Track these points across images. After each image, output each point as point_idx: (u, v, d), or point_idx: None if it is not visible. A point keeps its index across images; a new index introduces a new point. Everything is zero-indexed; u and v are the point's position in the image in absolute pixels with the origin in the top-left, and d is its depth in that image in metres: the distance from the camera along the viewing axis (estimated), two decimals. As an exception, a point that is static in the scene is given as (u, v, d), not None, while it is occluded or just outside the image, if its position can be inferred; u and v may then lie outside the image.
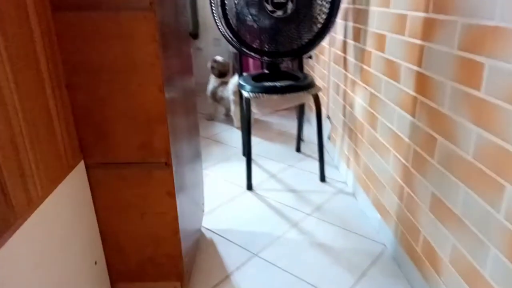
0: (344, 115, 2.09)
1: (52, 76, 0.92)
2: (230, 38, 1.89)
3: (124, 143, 1.07)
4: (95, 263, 1.15)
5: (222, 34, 1.90)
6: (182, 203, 1.21)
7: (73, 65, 0.99)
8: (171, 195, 1.13)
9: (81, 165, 1.08)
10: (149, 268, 1.24)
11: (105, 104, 1.03)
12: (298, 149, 2.52)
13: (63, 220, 0.96)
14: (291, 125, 3.00)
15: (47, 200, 0.88)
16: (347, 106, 2.02)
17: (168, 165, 1.09)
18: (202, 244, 1.62)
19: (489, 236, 0.92)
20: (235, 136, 2.82)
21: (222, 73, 3.01)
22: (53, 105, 0.93)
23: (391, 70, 1.41)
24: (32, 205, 0.82)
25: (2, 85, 0.72)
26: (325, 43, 2.37)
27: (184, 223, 1.25)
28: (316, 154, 2.45)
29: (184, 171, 1.26)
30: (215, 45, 3.63)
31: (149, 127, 1.05)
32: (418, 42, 1.20)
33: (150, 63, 0.98)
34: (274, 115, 3.25)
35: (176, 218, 1.16)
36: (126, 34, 0.96)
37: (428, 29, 1.14)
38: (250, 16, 1.86)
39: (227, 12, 1.81)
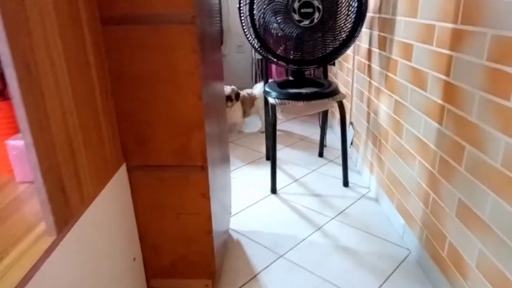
0: (368, 122, 2.12)
1: (100, 84, 1.00)
2: (257, 47, 1.95)
3: (163, 148, 1.14)
4: (134, 259, 1.21)
5: (250, 43, 1.96)
6: (214, 204, 1.27)
7: (118, 74, 1.06)
8: (206, 197, 1.19)
9: (123, 168, 1.15)
10: (182, 266, 1.30)
11: (146, 111, 1.10)
12: (320, 155, 2.56)
13: (108, 219, 1.03)
14: (313, 131, 3.04)
15: (96, 200, 0.95)
16: (371, 113, 2.05)
17: (204, 168, 1.15)
18: (229, 245, 1.67)
19: (517, 242, 0.94)
20: (258, 141, 2.87)
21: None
22: (101, 112, 1.00)
23: (418, 78, 1.44)
24: (84, 204, 0.89)
25: (62, 93, 0.80)
26: (349, 51, 2.40)
27: (216, 223, 1.31)
28: (338, 160, 2.49)
29: (216, 174, 1.32)
30: (238, 52, 3.70)
31: (187, 132, 1.12)
32: (446, 52, 1.23)
33: (190, 72, 1.05)
34: (296, 121, 3.30)
35: (209, 218, 1.22)
36: (168, 46, 1.02)
37: (457, 40, 1.17)
38: (277, 25, 1.92)
39: (255, 21, 1.87)
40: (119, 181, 1.11)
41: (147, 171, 1.17)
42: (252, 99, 3.00)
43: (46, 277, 0.72)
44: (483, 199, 1.07)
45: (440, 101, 1.29)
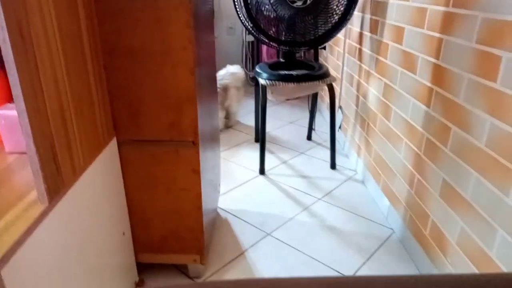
0: (357, 105, 2.14)
1: (93, 56, 0.99)
2: (250, 28, 1.94)
3: (155, 122, 1.14)
4: (123, 233, 1.22)
5: (242, 23, 1.94)
6: (204, 180, 1.28)
7: (111, 47, 1.05)
8: (196, 172, 1.20)
9: (114, 142, 1.15)
10: (171, 241, 1.31)
11: (139, 85, 1.09)
12: (309, 138, 2.58)
13: (98, 191, 1.03)
14: (302, 115, 3.05)
15: (86, 171, 0.95)
16: (360, 97, 2.07)
17: (195, 144, 1.16)
18: (218, 223, 1.69)
19: (497, 219, 0.98)
20: (248, 123, 2.88)
21: None
22: (93, 84, 0.99)
23: (408, 61, 1.46)
24: (75, 175, 0.89)
25: (55, 61, 0.79)
26: (340, 34, 2.41)
27: (205, 200, 1.32)
28: (326, 143, 2.51)
29: (206, 151, 1.33)
30: (229, 34, 3.67)
31: (179, 107, 1.12)
32: (437, 35, 1.25)
33: (183, 47, 1.04)
34: (285, 105, 3.30)
35: (199, 194, 1.23)
36: (162, 20, 1.01)
37: (448, 23, 1.19)
38: (269, 6, 1.91)
39: (248, 2, 1.86)
40: (110, 154, 1.11)
41: (138, 145, 1.17)
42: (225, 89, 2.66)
43: (37, 244, 0.73)
44: (467, 179, 1.11)
45: (429, 84, 1.31)
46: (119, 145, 1.16)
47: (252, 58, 3.61)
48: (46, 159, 0.75)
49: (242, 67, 3.65)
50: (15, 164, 0.93)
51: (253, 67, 3.65)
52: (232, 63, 3.74)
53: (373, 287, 0.38)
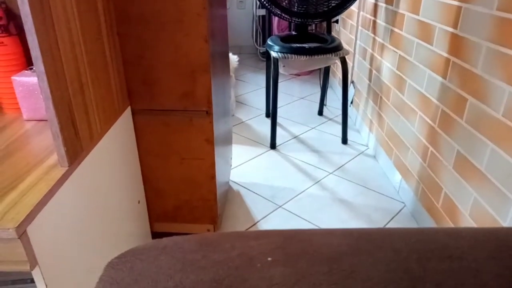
0: (370, 80, 2.12)
1: (107, 23, 0.98)
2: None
3: (169, 91, 1.14)
4: (138, 202, 1.24)
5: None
6: (217, 151, 1.29)
7: (124, 13, 1.04)
8: (210, 142, 1.21)
9: (128, 111, 1.15)
10: (185, 210, 1.34)
11: (152, 52, 1.09)
12: (320, 113, 2.57)
13: (114, 159, 1.05)
14: (313, 91, 3.03)
15: (103, 138, 0.96)
16: (374, 70, 2.04)
17: (208, 113, 1.16)
18: (230, 195, 1.71)
19: (511, 189, 0.98)
20: (259, 98, 2.87)
21: None
22: (108, 51, 0.99)
23: (425, 32, 1.43)
24: (93, 141, 0.90)
25: (71, 25, 0.79)
26: (354, 6, 2.36)
27: (218, 170, 1.34)
28: (338, 118, 2.50)
29: (219, 121, 1.33)
30: (239, 8, 3.61)
31: (193, 76, 1.11)
32: (456, 3, 1.21)
33: (197, 14, 1.03)
34: (296, 80, 3.28)
35: (213, 164, 1.24)
36: (176, -16, 1.00)
37: (467, -10, 1.15)
38: (282, -24, 1.87)
39: (260, -29, 1.82)
40: (125, 123, 1.12)
41: (152, 114, 1.17)
42: None
43: (59, 205, 0.75)
44: (482, 150, 1.10)
45: (445, 55, 1.29)
46: (134, 114, 1.17)
47: (262, 32, 3.57)
48: (65, 122, 0.76)
49: (253, 41, 3.61)
50: (33, 131, 0.94)
51: (264, 42, 3.60)
52: (242, 37, 3.70)
53: (393, 236, 0.38)
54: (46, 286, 0.69)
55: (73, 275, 0.81)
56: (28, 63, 1.04)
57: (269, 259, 0.33)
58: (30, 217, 0.65)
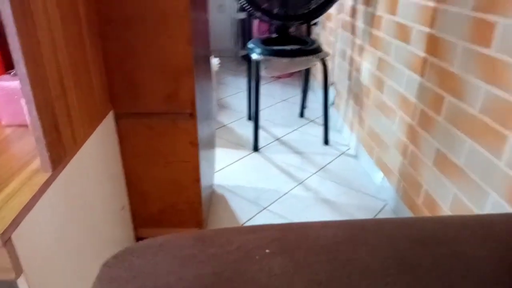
0: (350, 80, 2.15)
1: (89, 26, 0.97)
2: (243, 1, 1.91)
3: (152, 94, 1.13)
4: (122, 208, 1.23)
5: (234, -4, 1.92)
6: (201, 154, 1.28)
7: (107, 16, 1.03)
8: (194, 145, 1.20)
9: (110, 115, 1.14)
10: (170, 214, 1.32)
11: (135, 55, 1.08)
12: (301, 115, 2.60)
13: (97, 164, 1.03)
14: (294, 93, 3.05)
15: (86, 143, 0.94)
16: (354, 72, 2.08)
17: (192, 116, 1.16)
18: (214, 199, 1.71)
19: (489, 183, 1.01)
20: (240, 101, 2.87)
21: None
22: (90, 54, 0.98)
23: (402, 33, 1.47)
24: (76, 145, 0.89)
25: (53, 27, 0.77)
26: (332, 9, 2.39)
27: (203, 173, 1.33)
28: (319, 120, 2.53)
29: (203, 124, 1.33)
30: (219, 12, 3.62)
31: (176, 78, 1.11)
32: (432, 4, 1.25)
33: (181, 15, 1.03)
34: (276, 83, 3.30)
35: (197, 167, 1.24)
36: (158, -13, 1.00)
37: (442, -8, 1.19)
38: (262, -21, 1.88)
39: (240, -26, 1.83)
40: (107, 127, 1.11)
41: (136, 118, 1.16)
42: None
43: (43, 210, 0.73)
44: (460, 146, 1.14)
45: (423, 54, 1.32)
46: (117, 117, 1.16)
47: (242, 36, 3.58)
48: (48, 127, 0.75)
49: (233, 44, 3.62)
50: (13, 136, 0.92)
51: (244, 45, 3.61)
52: (222, 41, 3.70)
53: (385, 225, 0.39)
54: (32, 294, 0.68)
55: (57, 281, 0.79)
56: (6, 68, 1.02)
57: (267, 251, 0.33)
58: (14, 223, 0.63)
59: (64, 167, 0.83)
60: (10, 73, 0.98)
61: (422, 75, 1.34)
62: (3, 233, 0.60)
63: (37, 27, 0.71)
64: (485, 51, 1.01)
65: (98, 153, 1.04)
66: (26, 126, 0.95)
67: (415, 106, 1.39)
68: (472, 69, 1.07)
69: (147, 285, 0.33)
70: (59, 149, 0.80)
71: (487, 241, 0.36)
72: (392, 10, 1.54)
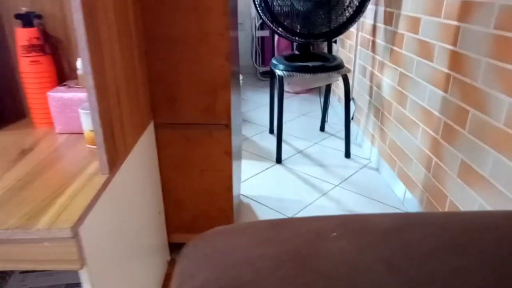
0: (370, 96, 2.21)
1: (138, 42, 1.06)
2: (267, 20, 2.01)
3: (190, 106, 1.21)
4: (159, 213, 1.29)
5: (261, 17, 2.01)
6: (234, 163, 1.35)
7: (152, 34, 1.12)
8: (228, 154, 1.27)
9: (151, 125, 1.22)
10: (202, 221, 1.38)
11: (177, 70, 1.16)
12: (322, 129, 2.65)
13: (141, 170, 1.10)
14: (313, 108, 3.12)
15: (133, 149, 1.02)
16: (374, 87, 2.14)
17: (228, 127, 1.23)
18: (241, 208, 1.76)
19: (516, 193, 1.05)
20: (261, 115, 2.95)
21: None
22: (138, 68, 1.06)
23: (425, 50, 1.53)
24: (126, 150, 0.96)
25: (113, 44, 0.86)
26: (352, 28, 2.47)
27: (234, 182, 1.39)
28: (339, 133, 2.58)
29: (234, 136, 1.40)
30: (239, 30, 3.74)
31: (214, 92, 1.18)
32: (454, 23, 1.31)
33: (220, 35, 1.11)
34: (296, 98, 3.37)
35: (230, 175, 1.30)
36: (202, 8, 1.08)
37: (465, 11, 1.25)
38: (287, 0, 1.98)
39: (267, -6, 1.93)
40: (149, 136, 1.18)
41: (174, 128, 1.24)
42: None
43: (102, 209, 0.80)
44: (485, 158, 1.18)
45: (446, 70, 1.38)
46: (156, 128, 1.24)
47: (262, 53, 3.68)
48: (107, 133, 0.82)
49: (252, 61, 3.72)
50: (67, 143, 1.00)
51: (263, 62, 3.72)
52: (242, 57, 3.81)
53: (434, 218, 0.45)
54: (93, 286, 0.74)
55: (112, 277, 0.86)
56: (59, 81, 1.11)
57: (334, 234, 0.39)
58: (82, 218, 0.70)
59: (117, 170, 0.90)
60: (65, 85, 1.06)
61: (445, 90, 1.39)
62: (73, 226, 0.67)
63: (102, 44, 0.80)
64: (508, 66, 1.06)
65: (141, 159, 1.11)
66: (77, 133, 1.03)
67: (439, 120, 1.44)
68: (495, 84, 1.12)
69: (230, 261, 0.39)
70: (114, 154, 0.87)
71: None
72: (414, 29, 1.61)
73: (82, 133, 1.00)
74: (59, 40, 1.12)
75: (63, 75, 1.15)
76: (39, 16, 1.07)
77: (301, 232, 0.40)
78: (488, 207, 1.16)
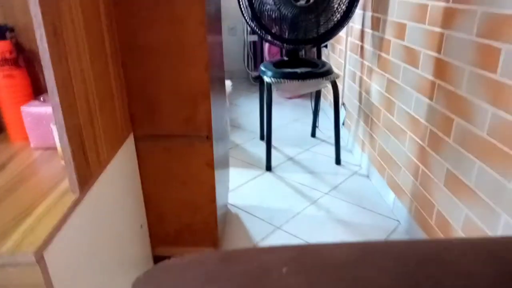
0: (360, 102, 2.19)
1: (112, 54, 1.04)
2: (254, 27, 1.99)
3: (170, 117, 1.18)
4: (141, 226, 1.27)
5: (247, 23, 2.00)
6: (217, 174, 1.33)
7: (129, 45, 1.10)
8: (210, 166, 1.25)
9: (131, 138, 1.19)
10: (186, 234, 1.36)
11: (155, 82, 1.14)
12: (313, 135, 2.63)
13: (119, 184, 1.08)
14: (304, 114, 3.10)
15: (109, 164, 1.00)
16: (363, 93, 2.12)
17: (209, 138, 1.21)
18: (228, 218, 1.74)
19: (500, 204, 1.03)
20: (252, 121, 2.93)
21: None
22: (113, 80, 1.04)
23: (410, 56, 1.51)
24: (101, 167, 0.94)
25: (82, 57, 0.84)
26: (341, 33, 2.46)
27: (218, 193, 1.37)
28: (330, 139, 2.56)
29: (218, 145, 1.37)
30: (230, 35, 3.72)
31: (194, 102, 1.16)
32: (438, 30, 1.30)
33: (198, 45, 1.09)
34: (287, 104, 3.35)
35: (213, 187, 1.28)
36: (178, 18, 1.06)
37: (449, 18, 1.24)
38: (273, 5, 1.96)
39: (253, 1, 1.91)
40: (128, 149, 1.16)
41: (154, 140, 1.21)
42: None
43: (71, 230, 0.77)
44: (470, 167, 1.16)
45: (431, 78, 1.36)
46: (136, 140, 1.21)
47: (254, 57, 3.67)
48: (77, 150, 0.80)
49: (245, 66, 3.70)
50: (41, 158, 0.97)
51: (255, 67, 3.70)
52: (234, 62, 3.79)
53: (392, 248, 0.42)
54: (60, 310, 0.71)
55: (83, 299, 0.83)
56: (34, 94, 1.09)
57: (284, 269, 0.37)
58: (47, 241, 0.68)
59: (90, 187, 0.87)
60: (39, 99, 1.04)
61: (430, 97, 1.37)
62: (36, 251, 0.65)
63: (69, 59, 0.77)
64: (491, 75, 1.04)
65: (120, 173, 1.09)
66: (53, 148, 1.01)
67: (425, 128, 1.42)
68: (479, 93, 1.10)
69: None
70: (86, 171, 0.85)
71: (490, 259, 0.39)
72: (400, 35, 1.59)
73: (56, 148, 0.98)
74: (34, 52, 1.10)
75: (40, 88, 1.13)
76: (11, 29, 1.04)
77: (250, 267, 0.38)
78: (475, 219, 1.14)
